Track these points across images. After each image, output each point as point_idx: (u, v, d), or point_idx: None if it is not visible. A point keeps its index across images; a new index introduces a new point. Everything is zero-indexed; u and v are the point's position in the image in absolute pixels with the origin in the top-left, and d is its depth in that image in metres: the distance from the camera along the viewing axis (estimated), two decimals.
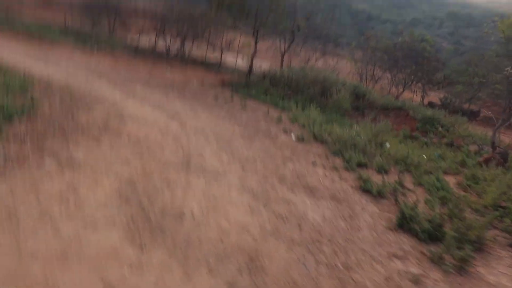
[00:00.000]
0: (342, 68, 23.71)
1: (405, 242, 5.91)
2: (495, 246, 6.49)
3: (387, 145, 11.08)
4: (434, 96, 23.66)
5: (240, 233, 4.94)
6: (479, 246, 6.21)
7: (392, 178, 8.50)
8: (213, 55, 21.53)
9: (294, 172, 7.71)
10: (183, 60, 19.91)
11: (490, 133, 14.32)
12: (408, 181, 8.62)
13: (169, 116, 9.44)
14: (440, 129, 14.32)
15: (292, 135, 10.35)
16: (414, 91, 23.45)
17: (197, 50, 21.61)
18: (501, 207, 8.06)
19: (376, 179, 8.17)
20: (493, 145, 12.60)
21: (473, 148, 12.76)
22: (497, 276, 5.58)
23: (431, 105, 21.82)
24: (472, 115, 20.93)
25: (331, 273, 4.67)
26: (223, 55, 21.21)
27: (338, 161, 9.02)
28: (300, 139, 10.07)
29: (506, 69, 13.75)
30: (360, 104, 15.28)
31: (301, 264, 4.67)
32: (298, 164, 8.28)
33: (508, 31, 14.22)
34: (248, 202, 5.89)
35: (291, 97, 14.44)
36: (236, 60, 21.28)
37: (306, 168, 8.14)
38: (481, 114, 21.79)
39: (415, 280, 4.93)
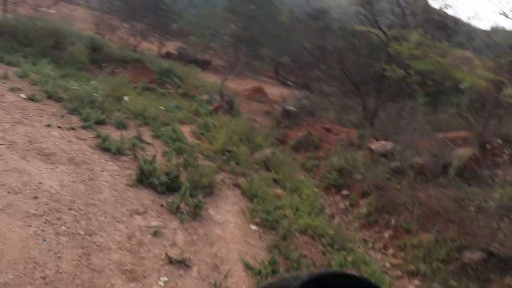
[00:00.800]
0: (78, 18, 22.26)
1: (145, 197, 6.24)
2: (223, 187, 7.44)
3: (126, 99, 11.18)
4: (172, 46, 24.49)
5: None
6: (210, 190, 7.02)
7: (131, 133, 8.69)
8: None
9: (26, 137, 7.13)
10: None
11: (220, 81, 15.79)
12: (146, 135, 8.94)
13: None
14: (176, 80, 15.09)
15: (22, 94, 9.46)
16: (152, 42, 23.77)
17: None
18: (228, 151, 9.18)
19: (116, 135, 8.20)
20: (221, 94, 13.97)
21: (205, 97, 13.91)
22: (224, 214, 6.47)
23: (168, 55, 22.59)
24: (204, 65, 22.52)
25: (73, 242, 4.65)
26: None
27: (75, 120, 8.68)
28: (32, 98, 9.28)
29: (230, 25, 15.29)
30: (98, 57, 14.79)
31: (40, 239, 4.51)
32: (31, 127, 7.67)
33: None
34: None
35: (19, 51, 12.98)
36: None
37: (40, 131, 7.63)
38: (213, 63, 23.64)
39: (155, 233, 5.32)
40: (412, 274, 5.99)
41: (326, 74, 17.33)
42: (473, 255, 6.25)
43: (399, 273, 6.03)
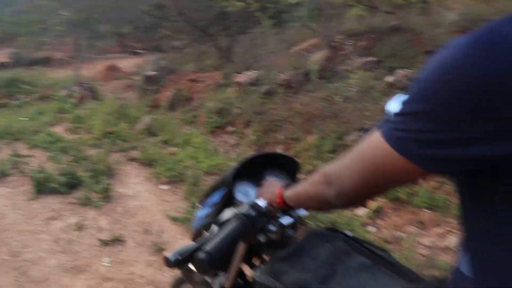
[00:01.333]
0: None
1: (52, 202, 6.25)
2: (121, 165, 7.62)
3: None
4: (2, 55, 22.52)
5: None
6: (111, 173, 7.19)
7: (5, 153, 8.31)
8: None
9: None
10: None
11: (71, 73, 15.17)
12: (23, 149, 8.62)
13: None
14: (26, 86, 14.26)
15: None
16: None
17: None
18: (109, 133, 9.22)
19: None
20: (80, 83, 13.57)
21: (64, 93, 13.41)
22: (132, 187, 6.74)
23: (2, 66, 20.84)
24: (46, 62, 21.19)
25: (4, 269, 4.67)
26: None
27: None
28: None
29: (60, 13, 14.65)
30: None
31: None
32: None
33: None
34: None
35: None
36: None
37: None
38: (55, 58, 22.28)
39: (79, 227, 5.49)
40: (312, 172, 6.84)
41: (172, 29, 17.41)
42: (352, 137, 7.25)
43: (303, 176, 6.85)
